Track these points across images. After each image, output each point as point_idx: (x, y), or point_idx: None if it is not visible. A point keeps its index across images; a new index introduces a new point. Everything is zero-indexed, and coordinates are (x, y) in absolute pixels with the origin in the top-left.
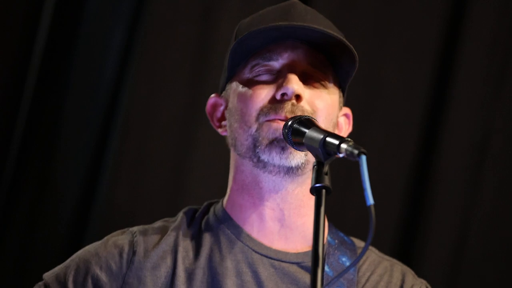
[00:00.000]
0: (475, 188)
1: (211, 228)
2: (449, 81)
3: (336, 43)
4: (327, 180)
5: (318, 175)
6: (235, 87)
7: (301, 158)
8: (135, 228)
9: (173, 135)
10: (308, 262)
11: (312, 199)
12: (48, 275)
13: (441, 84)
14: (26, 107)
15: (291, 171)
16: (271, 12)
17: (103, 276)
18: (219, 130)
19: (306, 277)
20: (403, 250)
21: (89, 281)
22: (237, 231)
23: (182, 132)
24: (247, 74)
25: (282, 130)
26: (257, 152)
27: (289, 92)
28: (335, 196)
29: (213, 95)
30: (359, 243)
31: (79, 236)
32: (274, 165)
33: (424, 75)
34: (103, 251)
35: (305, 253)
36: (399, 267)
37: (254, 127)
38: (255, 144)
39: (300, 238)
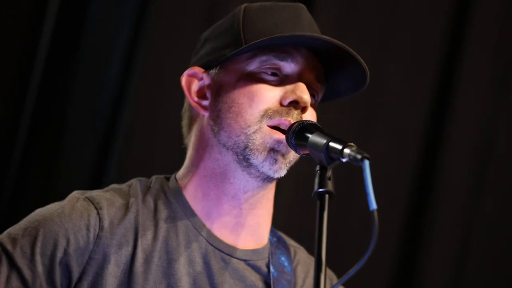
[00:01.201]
0: (478, 193)
1: (168, 210)
2: (452, 85)
3: (344, 60)
4: (330, 185)
5: (321, 180)
6: (235, 75)
7: (284, 171)
8: (95, 197)
9: (178, 136)
10: (255, 260)
11: (270, 201)
12: (6, 242)
13: (444, 88)
14: (30, 108)
15: (269, 180)
16: (284, 12)
17: (70, 251)
18: (196, 106)
19: (252, 276)
20: (407, 254)
21: (57, 254)
22: (194, 219)
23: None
24: (253, 67)
25: (286, 133)
26: (247, 153)
27: (301, 102)
28: (338, 201)
29: (192, 67)
30: (289, 241)
31: None
32: (259, 170)
33: (428, 79)
34: (68, 222)
35: (252, 251)
36: (329, 272)
37: (254, 127)
38: (247, 145)
39: (250, 236)
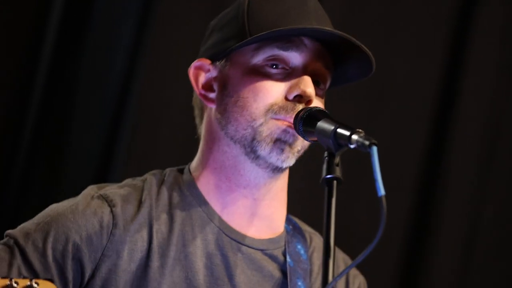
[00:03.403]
0: (486, 180)
1: (183, 203)
2: (459, 74)
3: (350, 48)
4: (338, 171)
5: (329, 166)
6: (240, 69)
7: (293, 161)
8: (109, 195)
9: (184, 130)
10: (272, 249)
11: (284, 190)
12: (19, 236)
13: (451, 78)
14: (36, 104)
15: (278, 170)
16: (289, 1)
17: (83, 246)
18: (203, 99)
19: (269, 265)
20: (414, 241)
21: (69, 250)
22: (209, 211)
23: (193, 127)
24: (257, 59)
25: (293, 120)
26: (254, 145)
27: (305, 96)
28: (346, 187)
29: (199, 59)
30: (303, 226)
31: None
32: (267, 162)
33: (434, 70)
34: (81, 218)
35: (268, 240)
36: (341, 255)
37: (259, 121)
38: (254, 137)
39: (265, 225)
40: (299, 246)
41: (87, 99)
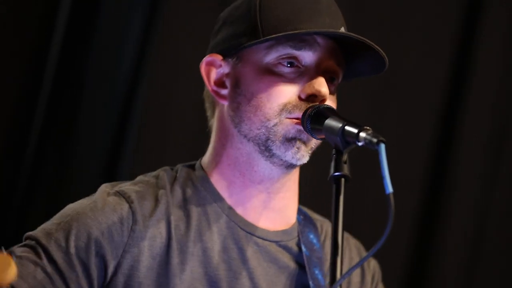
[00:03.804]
0: (494, 176)
1: (197, 198)
2: (466, 73)
3: (363, 47)
4: (346, 169)
5: (337, 164)
6: (253, 67)
7: (307, 158)
8: (125, 191)
9: (192, 126)
10: (286, 241)
11: (296, 182)
12: (41, 236)
13: (458, 76)
14: (43, 104)
15: (292, 166)
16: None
17: (105, 243)
18: (215, 95)
19: (284, 257)
20: (422, 238)
21: (92, 246)
22: (224, 205)
23: (201, 123)
24: (270, 58)
25: (301, 117)
26: (269, 145)
27: (320, 95)
28: (354, 185)
29: (210, 54)
30: (313, 215)
31: None
32: (282, 159)
33: (442, 65)
34: (101, 215)
35: (283, 232)
36: (353, 241)
37: (274, 121)
38: (268, 137)
39: (279, 218)
40: (311, 236)
41: (94, 99)
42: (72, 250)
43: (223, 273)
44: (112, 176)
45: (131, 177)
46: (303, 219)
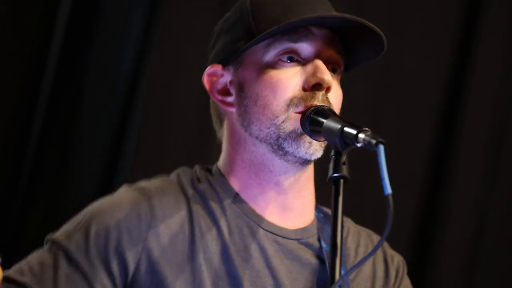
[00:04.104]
0: (494, 177)
1: (216, 199)
2: (467, 66)
3: (361, 31)
4: (345, 170)
5: (336, 165)
6: (255, 68)
7: (321, 153)
8: (145, 187)
9: (192, 126)
10: (307, 238)
11: (311, 181)
12: (61, 238)
13: (458, 76)
14: (43, 102)
15: (307, 162)
16: None
17: (124, 240)
18: (221, 104)
19: (307, 254)
20: (421, 239)
21: (112, 244)
22: (243, 206)
23: (201, 123)
24: (269, 56)
25: (300, 119)
26: (281, 143)
27: (324, 83)
28: (353, 186)
29: (210, 65)
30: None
31: None
32: (295, 156)
33: (442, 65)
34: (119, 212)
35: (302, 229)
36: (376, 237)
37: (282, 117)
38: (279, 134)
39: (298, 216)
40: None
41: (94, 99)
42: (93, 249)
43: (245, 272)
44: (112, 175)
45: (131, 177)
46: (323, 217)
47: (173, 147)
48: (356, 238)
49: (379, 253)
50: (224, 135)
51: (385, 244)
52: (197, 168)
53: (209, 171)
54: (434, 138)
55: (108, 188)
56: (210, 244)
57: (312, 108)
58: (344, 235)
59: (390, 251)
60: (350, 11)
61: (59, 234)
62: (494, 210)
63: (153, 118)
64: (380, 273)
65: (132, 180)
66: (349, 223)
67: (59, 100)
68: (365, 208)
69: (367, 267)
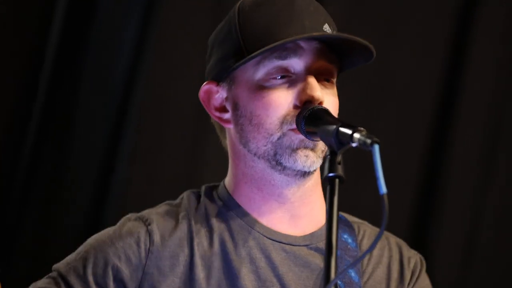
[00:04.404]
0: (488, 174)
1: (220, 215)
2: (461, 68)
3: (350, 41)
4: (340, 170)
5: (332, 165)
6: (246, 87)
7: (319, 162)
8: (144, 215)
9: (188, 125)
10: (316, 243)
11: (318, 184)
12: (61, 267)
13: (452, 75)
14: (41, 99)
15: (307, 174)
16: (276, 3)
17: (123, 267)
18: (219, 121)
19: (316, 259)
20: (416, 238)
21: (110, 272)
22: (247, 218)
23: (197, 122)
24: (260, 75)
25: (296, 119)
26: (278, 158)
27: (314, 100)
28: (348, 186)
29: (206, 82)
30: (351, 218)
31: (94, 229)
32: (295, 170)
33: (436, 67)
34: (119, 240)
35: (311, 235)
36: (393, 239)
37: (277, 135)
38: (276, 151)
39: (307, 222)
40: (345, 236)
41: (91, 98)
42: (90, 278)
43: (251, 283)
44: (109, 174)
45: (128, 176)
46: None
47: (170, 146)
48: (372, 240)
49: (395, 255)
50: (228, 147)
51: (403, 245)
52: (203, 188)
53: (217, 187)
54: (429, 138)
55: (105, 186)
56: (213, 260)
57: (308, 109)
58: (359, 239)
59: (407, 253)
60: (346, 11)
61: (60, 263)
62: (489, 209)
63: (150, 116)
64: (395, 274)
65: (129, 178)
66: (366, 226)
67: (56, 98)
68: (361, 208)
69: (381, 270)
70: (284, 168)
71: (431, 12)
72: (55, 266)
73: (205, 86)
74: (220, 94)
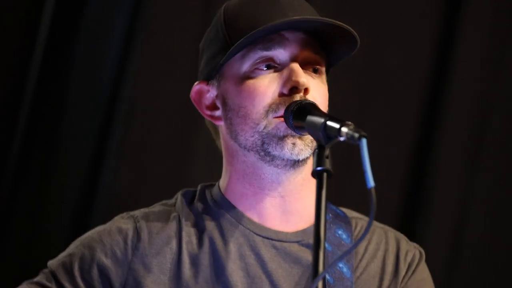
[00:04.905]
0: (475, 169)
1: (212, 213)
2: (448, 69)
3: (334, 29)
4: (328, 164)
5: (319, 159)
6: (233, 80)
7: (308, 151)
8: (136, 213)
9: (176, 122)
10: (307, 239)
11: (311, 180)
12: (53, 263)
13: (440, 71)
14: (29, 96)
15: (297, 164)
16: (261, 2)
17: (108, 263)
18: (210, 119)
19: (308, 255)
20: (404, 232)
21: (95, 268)
22: (238, 216)
23: (185, 119)
24: (246, 67)
25: (284, 114)
26: (266, 148)
27: (299, 86)
28: (336, 180)
29: (197, 82)
30: (351, 213)
31: (83, 227)
32: (283, 159)
33: (423, 63)
34: (107, 237)
35: (303, 231)
36: (392, 233)
37: (262, 124)
38: (263, 141)
39: (299, 218)
40: (340, 232)
41: (79, 96)
42: (76, 273)
43: (241, 280)
44: (98, 171)
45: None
46: (333, 217)
47: (158, 143)
48: (368, 236)
49: (392, 248)
50: (222, 149)
51: (402, 238)
52: (199, 187)
53: (211, 187)
54: (417, 134)
55: (94, 184)
56: (202, 257)
57: (296, 103)
58: (355, 235)
59: (405, 246)
60: (333, 7)
61: (54, 259)
62: (476, 206)
63: (138, 114)
64: (390, 268)
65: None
66: (364, 221)
67: (44, 97)
68: (348, 202)
69: (375, 264)
70: (273, 158)
71: (418, 8)
72: (49, 262)
73: (196, 87)
74: (210, 93)
